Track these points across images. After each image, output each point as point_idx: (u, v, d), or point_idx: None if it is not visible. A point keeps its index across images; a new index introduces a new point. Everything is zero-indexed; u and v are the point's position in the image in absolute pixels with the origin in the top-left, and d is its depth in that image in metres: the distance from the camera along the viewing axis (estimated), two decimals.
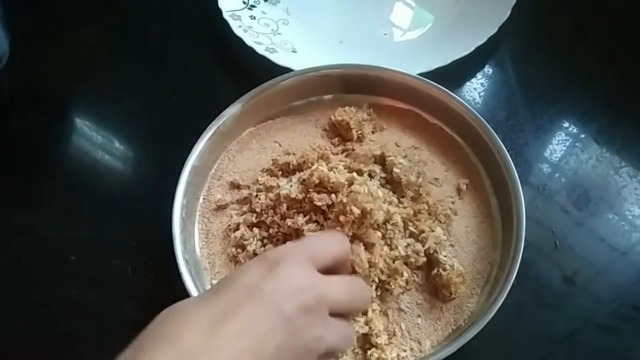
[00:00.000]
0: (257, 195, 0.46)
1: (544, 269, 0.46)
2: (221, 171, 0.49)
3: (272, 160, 0.49)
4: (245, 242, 0.44)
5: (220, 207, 0.47)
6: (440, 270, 0.41)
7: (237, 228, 0.45)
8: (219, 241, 0.46)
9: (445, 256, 0.42)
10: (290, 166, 0.47)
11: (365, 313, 0.41)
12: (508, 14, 0.56)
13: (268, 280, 0.30)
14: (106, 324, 0.46)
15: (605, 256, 0.47)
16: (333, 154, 0.49)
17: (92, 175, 0.44)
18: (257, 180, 0.48)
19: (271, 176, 0.48)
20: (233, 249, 0.45)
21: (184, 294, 0.41)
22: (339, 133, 0.50)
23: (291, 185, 0.44)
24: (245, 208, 0.47)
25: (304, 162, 0.47)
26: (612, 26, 0.60)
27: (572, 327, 0.44)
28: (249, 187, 0.48)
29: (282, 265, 0.31)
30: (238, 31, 0.57)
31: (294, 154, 0.49)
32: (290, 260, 0.31)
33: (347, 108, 0.50)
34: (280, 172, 0.48)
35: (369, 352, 0.40)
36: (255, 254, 0.43)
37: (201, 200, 0.48)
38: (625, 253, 0.47)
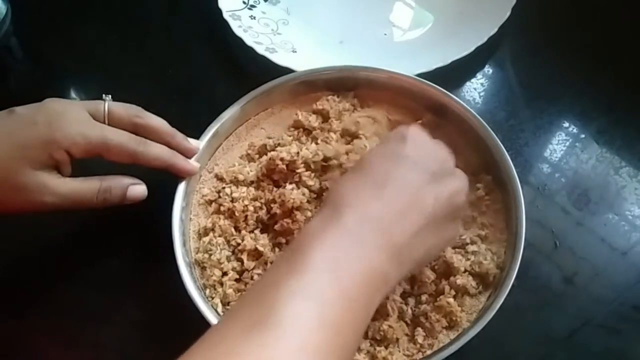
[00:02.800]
0: (224, 188, 0.47)
1: (544, 269, 0.46)
2: (212, 164, 0.50)
3: (249, 144, 0.49)
4: (211, 249, 0.44)
5: (208, 202, 0.48)
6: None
7: (205, 233, 0.45)
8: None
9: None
10: (267, 147, 0.48)
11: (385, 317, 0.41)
12: (508, 14, 0.55)
13: (407, 148, 0.36)
14: (106, 324, 0.46)
15: (605, 256, 0.47)
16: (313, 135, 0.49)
17: (92, 175, 0.44)
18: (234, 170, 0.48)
19: (249, 162, 0.49)
20: (200, 255, 0.44)
21: (184, 293, 0.41)
22: (323, 121, 0.51)
23: (249, 172, 0.47)
24: (212, 208, 0.47)
25: (278, 144, 0.48)
26: (612, 26, 0.60)
27: (572, 327, 0.44)
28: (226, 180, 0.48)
29: (409, 137, 0.37)
30: (238, 31, 0.57)
31: (270, 138, 0.50)
32: (413, 132, 0.38)
33: (330, 97, 0.51)
34: (258, 155, 0.49)
35: (377, 349, 0.40)
36: (220, 263, 0.43)
37: (195, 195, 0.48)
38: (625, 253, 0.47)
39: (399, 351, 0.40)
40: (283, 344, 0.27)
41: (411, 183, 0.35)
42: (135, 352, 0.44)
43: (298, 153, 0.46)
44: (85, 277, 0.48)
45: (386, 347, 0.40)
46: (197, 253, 0.45)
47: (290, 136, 0.50)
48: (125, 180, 0.44)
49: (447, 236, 0.37)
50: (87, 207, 0.42)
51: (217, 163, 0.49)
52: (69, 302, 0.47)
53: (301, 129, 0.50)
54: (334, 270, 0.30)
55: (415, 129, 0.38)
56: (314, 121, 0.50)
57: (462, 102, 0.48)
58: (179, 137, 0.46)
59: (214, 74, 0.59)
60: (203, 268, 0.44)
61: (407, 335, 0.41)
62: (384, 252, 0.32)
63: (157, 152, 0.44)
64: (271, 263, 0.43)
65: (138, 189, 0.44)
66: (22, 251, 0.49)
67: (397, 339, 0.40)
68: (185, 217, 0.46)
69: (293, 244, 0.33)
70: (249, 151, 0.50)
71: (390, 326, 0.40)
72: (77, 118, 0.41)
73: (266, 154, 0.48)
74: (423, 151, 0.37)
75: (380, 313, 0.41)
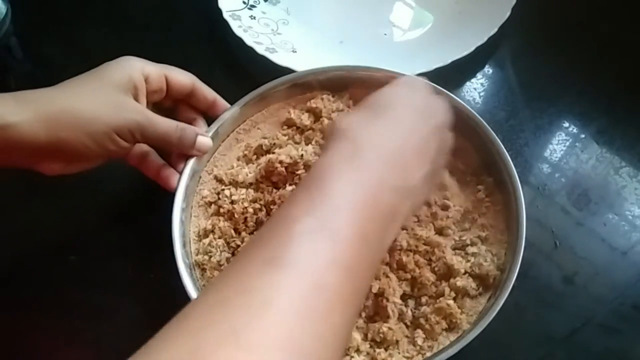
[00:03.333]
0: (223, 190, 0.47)
1: (544, 269, 0.46)
2: (212, 165, 0.49)
3: (245, 145, 0.49)
4: (211, 250, 0.44)
5: (208, 204, 0.47)
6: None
7: (205, 235, 0.45)
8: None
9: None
10: (263, 148, 0.48)
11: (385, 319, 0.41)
12: (508, 14, 0.56)
13: (416, 97, 0.38)
14: (106, 324, 0.46)
15: (605, 256, 0.47)
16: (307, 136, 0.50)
17: (92, 175, 0.44)
18: (232, 172, 0.48)
19: (246, 163, 0.49)
20: (200, 256, 0.44)
21: (185, 294, 0.41)
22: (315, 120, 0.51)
23: (248, 174, 0.47)
24: (212, 209, 0.47)
25: (274, 144, 0.48)
26: (612, 26, 0.60)
27: (572, 327, 0.44)
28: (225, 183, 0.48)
29: (418, 88, 0.39)
30: (238, 31, 0.57)
31: (265, 138, 0.50)
32: (421, 84, 0.40)
33: (325, 96, 0.51)
34: (255, 156, 0.49)
35: (376, 351, 0.40)
36: (220, 265, 0.43)
37: (195, 196, 0.48)
38: (625, 253, 0.47)
39: (399, 353, 0.40)
40: (297, 282, 0.27)
41: (421, 131, 0.36)
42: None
43: (302, 156, 0.46)
44: (86, 277, 0.48)
45: (386, 349, 0.40)
46: (197, 255, 0.45)
47: (285, 135, 0.50)
48: (195, 128, 0.46)
49: (434, 187, 0.40)
50: (167, 142, 0.44)
51: (216, 165, 0.49)
52: (69, 301, 0.47)
53: (294, 127, 0.50)
54: (353, 209, 0.30)
55: (423, 82, 0.40)
56: (306, 119, 0.50)
57: (463, 102, 0.48)
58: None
59: (214, 74, 0.59)
60: (203, 270, 0.44)
61: (407, 337, 0.41)
62: (397, 192, 0.33)
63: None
64: None
65: (205, 140, 0.46)
66: (23, 251, 0.49)
67: (397, 341, 0.40)
68: (186, 219, 0.46)
69: (312, 177, 0.33)
70: (246, 152, 0.50)
71: (390, 328, 0.40)
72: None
73: (263, 155, 0.48)
74: (430, 102, 0.38)
75: (380, 315, 0.41)
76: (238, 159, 0.50)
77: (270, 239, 0.29)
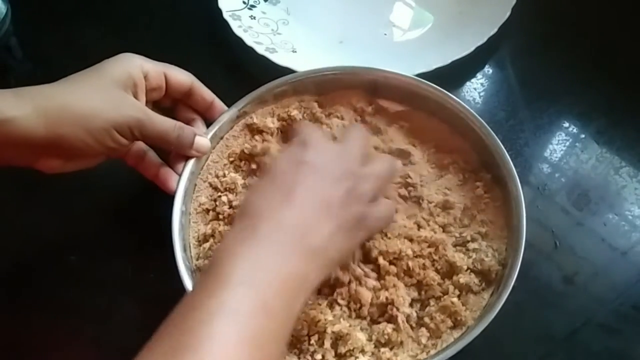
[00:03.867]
0: (220, 197, 0.47)
1: (544, 269, 0.46)
2: (206, 173, 0.49)
3: (229, 153, 0.49)
4: (212, 255, 0.44)
5: (206, 210, 0.47)
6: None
7: (205, 240, 0.45)
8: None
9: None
10: (245, 152, 0.49)
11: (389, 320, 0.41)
12: (508, 14, 0.55)
13: (309, 154, 0.38)
14: (106, 324, 0.46)
15: (605, 256, 0.47)
16: None
17: (92, 175, 0.44)
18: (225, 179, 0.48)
19: (235, 171, 0.49)
20: (201, 261, 0.44)
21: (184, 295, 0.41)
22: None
23: (241, 180, 0.47)
24: (211, 215, 0.47)
25: (255, 146, 0.48)
26: (612, 26, 0.60)
27: (572, 327, 0.44)
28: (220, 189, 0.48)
29: (310, 143, 0.39)
30: (238, 31, 0.57)
31: (248, 144, 0.50)
32: (313, 137, 0.40)
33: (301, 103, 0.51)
34: (243, 163, 0.49)
35: (381, 351, 0.40)
36: None
37: (193, 203, 0.48)
38: (625, 253, 0.47)
39: (404, 352, 0.40)
40: None
41: (317, 189, 0.36)
42: (136, 352, 0.44)
43: None
44: (86, 277, 0.48)
45: (390, 349, 0.40)
46: (197, 259, 0.44)
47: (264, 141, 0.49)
48: (194, 129, 0.46)
49: (358, 237, 0.39)
50: (165, 140, 0.44)
51: (210, 172, 0.49)
52: (69, 301, 0.47)
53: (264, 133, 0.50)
54: (251, 283, 0.31)
55: (314, 133, 0.40)
56: (270, 123, 0.50)
57: (459, 100, 0.47)
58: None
59: (214, 74, 0.58)
60: None
61: (411, 337, 0.41)
62: (302, 257, 0.34)
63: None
64: None
65: (204, 140, 0.46)
66: (23, 251, 0.49)
67: (402, 342, 0.40)
68: (186, 222, 0.45)
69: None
70: (232, 159, 0.49)
71: (395, 330, 0.40)
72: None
73: (248, 160, 0.49)
74: (325, 156, 0.39)
75: (386, 319, 0.41)
76: (225, 166, 0.49)
77: (175, 329, 0.30)
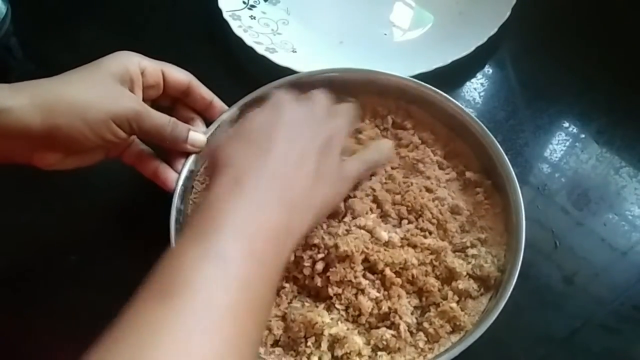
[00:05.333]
0: None
1: (544, 269, 0.46)
2: (203, 175, 0.49)
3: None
4: None
5: None
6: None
7: None
8: None
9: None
10: None
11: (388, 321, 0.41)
12: (508, 14, 0.55)
13: (284, 115, 0.39)
14: (106, 324, 0.46)
15: (605, 256, 0.47)
16: None
17: (92, 175, 0.44)
18: None
19: None
20: None
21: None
22: None
23: None
24: None
25: None
26: (612, 26, 0.60)
27: (572, 327, 0.44)
28: None
29: (283, 106, 0.40)
30: (238, 31, 0.57)
31: None
32: (286, 100, 0.41)
33: None
34: None
35: (378, 354, 0.40)
36: None
37: (190, 206, 0.47)
38: (625, 253, 0.47)
39: (401, 356, 0.40)
40: (191, 306, 0.28)
41: (293, 143, 0.38)
42: None
43: None
44: (86, 277, 0.48)
45: (388, 353, 0.40)
46: None
47: None
48: (187, 125, 0.46)
49: (340, 186, 0.41)
50: (161, 134, 0.44)
51: (206, 178, 0.48)
52: (69, 302, 0.47)
53: None
54: (239, 233, 0.32)
55: (280, 95, 0.42)
56: None
57: (458, 104, 0.47)
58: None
59: (214, 74, 0.58)
60: None
61: (409, 342, 0.40)
62: (284, 207, 0.35)
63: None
64: None
65: (198, 135, 0.46)
66: (23, 251, 0.49)
67: (399, 348, 0.40)
68: (184, 220, 0.45)
69: (197, 211, 0.35)
70: None
71: (393, 336, 0.40)
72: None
73: None
74: (298, 114, 0.40)
75: (386, 324, 0.41)
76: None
77: (163, 274, 0.31)
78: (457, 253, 0.43)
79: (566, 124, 0.54)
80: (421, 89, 0.49)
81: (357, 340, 0.40)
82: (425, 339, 0.40)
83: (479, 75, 0.57)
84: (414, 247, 0.43)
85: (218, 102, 0.49)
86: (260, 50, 0.55)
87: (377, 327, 0.41)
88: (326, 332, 0.39)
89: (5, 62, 0.61)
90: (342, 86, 0.51)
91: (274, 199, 0.35)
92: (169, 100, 0.48)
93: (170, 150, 0.46)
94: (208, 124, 0.49)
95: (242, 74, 0.57)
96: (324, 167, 0.38)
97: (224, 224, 0.32)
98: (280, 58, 0.55)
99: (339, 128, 0.42)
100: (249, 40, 0.56)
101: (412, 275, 0.41)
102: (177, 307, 0.28)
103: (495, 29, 0.54)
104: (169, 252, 0.32)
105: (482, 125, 0.46)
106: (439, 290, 0.42)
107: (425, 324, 0.40)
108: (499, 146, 0.45)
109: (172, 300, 0.28)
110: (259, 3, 0.62)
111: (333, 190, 0.40)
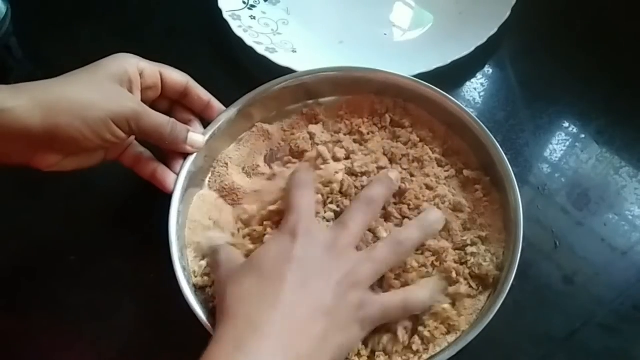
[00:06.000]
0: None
1: (544, 269, 0.46)
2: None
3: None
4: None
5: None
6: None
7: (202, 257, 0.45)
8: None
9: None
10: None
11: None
12: (508, 14, 0.55)
13: (297, 248, 0.36)
14: (106, 324, 0.46)
15: (605, 256, 0.47)
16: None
17: (92, 175, 0.44)
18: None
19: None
20: (200, 279, 0.43)
21: (184, 296, 0.41)
22: None
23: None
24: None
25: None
26: (612, 26, 0.60)
27: (572, 327, 0.44)
28: None
29: (300, 234, 0.37)
30: (238, 31, 0.57)
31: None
32: (303, 227, 0.38)
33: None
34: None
35: (376, 354, 0.39)
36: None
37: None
38: (625, 253, 0.47)
39: (399, 357, 0.40)
40: None
41: (306, 288, 0.35)
42: (136, 352, 0.44)
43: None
44: (86, 277, 0.48)
45: (385, 354, 0.40)
46: (195, 277, 0.44)
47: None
48: (186, 126, 0.46)
49: (359, 330, 0.37)
50: (160, 134, 0.43)
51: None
52: (69, 301, 0.47)
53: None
54: None
55: (305, 218, 0.38)
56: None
57: (456, 100, 0.47)
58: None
59: (214, 74, 0.59)
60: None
61: (407, 347, 0.40)
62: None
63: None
64: None
65: (197, 136, 0.46)
66: (23, 251, 0.49)
67: (397, 351, 0.40)
68: (183, 222, 0.45)
69: None
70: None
71: (391, 340, 0.39)
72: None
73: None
74: (315, 249, 0.37)
75: (379, 329, 0.40)
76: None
77: None
78: (457, 251, 0.43)
79: (566, 124, 0.54)
80: (418, 87, 0.49)
81: None
82: (421, 341, 0.40)
83: (479, 75, 0.57)
84: (416, 249, 0.43)
85: (216, 103, 0.49)
86: (260, 50, 0.55)
87: (377, 332, 0.40)
88: None
89: (5, 62, 0.61)
90: (340, 85, 0.51)
91: (279, 357, 0.32)
92: (167, 103, 0.48)
93: (168, 151, 0.46)
94: (206, 125, 0.49)
95: (242, 74, 0.57)
96: (340, 311, 0.35)
97: None
98: (280, 58, 0.55)
99: (375, 259, 0.38)
100: (249, 40, 0.56)
101: (412, 280, 0.41)
102: None
103: (495, 29, 0.54)
104: None
105: (480, 122, 0.46)
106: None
107: (420, 328, 0.40)
108: (496, 143, 0.45)
109: None
110: (259, 3, 0.62)
111: (349, 339, 0.36)
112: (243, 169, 0.49)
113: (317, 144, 0.48)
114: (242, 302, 0.35)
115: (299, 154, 0.49)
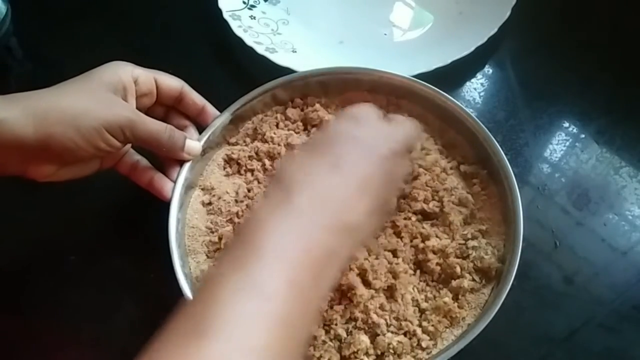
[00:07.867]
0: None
1: (544, 269, 0.46)
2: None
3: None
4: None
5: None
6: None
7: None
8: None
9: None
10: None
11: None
12: (508, 14, 0.55)
13: (359, 129, 0.36)
14: (106, 324, 0.46)
15: (605, 256, 0.47)
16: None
17: (92, 176, 0.44)
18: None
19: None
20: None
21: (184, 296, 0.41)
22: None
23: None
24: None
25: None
26: (612, 26, 0.60)
27: (572, 327, 0.44)
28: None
29: (361, 118, 0.37)
30: (238, 31, 0.57)
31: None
32: (365, 112, 0.38)
33: (317, 105, 0.51)
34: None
35: (385, 353, 0.40)
36: None
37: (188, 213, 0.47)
38: (625, 253, 0.47)
39: (407, 354, 0.40)
40: (226, 347, 0.26)
41: (363, 165, 0.35)
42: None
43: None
44: (86, 277, 0.48)
45: (394, 353, 0.40)
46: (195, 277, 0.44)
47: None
48: (183, 132, 0.46)
49: (387, 215, 0.40)
50: (158, 141, 0.43)
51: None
52: (69, 302, 0.47)
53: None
54: (283, 258, 0.30)
55: (367, 109, 0.39)
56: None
57: (448, 95, 0.48)
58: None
59: (214, 74, 0.59)
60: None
61: (415, 345, 0.41)
62: (336, 233, 0.32)
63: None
64: None
65: (194, 143, 0.46)
66: (23, 252, 0.49)
67: (404, 350, 0.40)
68: (182, 228, 0.45)
69: (241, 232, 0.32)
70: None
71: (400, 342, 0.40)
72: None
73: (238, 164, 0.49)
74: (375, 132, 0.37)
75: (390, 329, 0.41)
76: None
77: (195, 308, 0.28)
78: (459, 245, 0.43)
79: (566, 124, 0.54)
80: (410, 84, 0.49)
81: (364, 340, 0.40)
82: (428, 338, 0.40)
83: (479, 75, 0.57)
84: (421, 250, 0.43)
85: (210, 108, 0.48)
86: (260, 50, 0.55)
87: (375, 335, 0.40)
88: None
89: (5, 62, 0.61)
90: (332, 85, 0.51)
91: (326, 222, 0.32)
92: (163, 109, 0.48)
93: (165, 159, 0.46)
94: (201, 130, 0.48)
95: (242, 74, 0.57)
96: (385, 196, 0.36)
97: (267, 249, 0.30)
98: (280, 58, 0.55)
99: (407, 166, 0.40)
100: (249, 40, 0.56)
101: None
102: (208, 350, 0.26)
103: (495, 29, 0.54)
104: (209, 273, 0.31)
105: (473, 115, 0.46)
106: (439, 290, 0.42)
107: (424, 323, 0.41)
108: (490, 135, 0.45)
109: (202, 340, 0.26)
110: (259, 3, 0.62)
111: (379, 225, 0.39)
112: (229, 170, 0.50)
113: None
114: (296, 171, 0.34)
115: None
